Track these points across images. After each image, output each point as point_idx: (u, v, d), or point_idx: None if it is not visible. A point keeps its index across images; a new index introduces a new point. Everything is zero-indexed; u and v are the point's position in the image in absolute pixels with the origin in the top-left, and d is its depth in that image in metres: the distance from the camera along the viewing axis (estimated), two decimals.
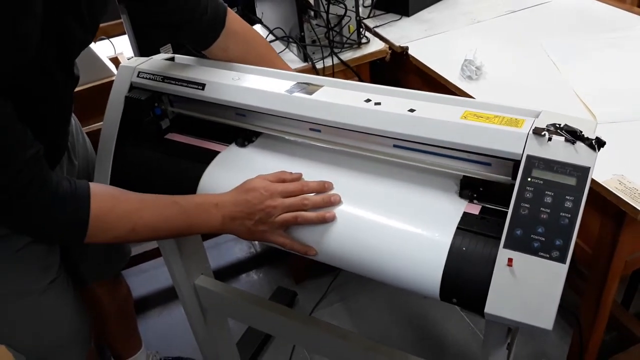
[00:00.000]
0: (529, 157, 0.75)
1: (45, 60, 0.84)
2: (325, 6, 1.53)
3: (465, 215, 0.81)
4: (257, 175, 0.90)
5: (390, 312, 1.93)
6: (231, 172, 0.98)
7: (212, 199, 0.89)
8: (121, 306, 1.51)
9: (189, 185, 0.97)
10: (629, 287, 1.78)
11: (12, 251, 1.04)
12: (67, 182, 0.83)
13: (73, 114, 1.21)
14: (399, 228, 0.82)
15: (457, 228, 0.79)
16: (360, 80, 1.63)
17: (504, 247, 0.73)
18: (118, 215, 0.85)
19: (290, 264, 2.11)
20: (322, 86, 0.96)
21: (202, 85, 1.01)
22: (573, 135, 0.74)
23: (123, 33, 1.79)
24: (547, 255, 0.71)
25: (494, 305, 0.72)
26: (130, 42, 1.56)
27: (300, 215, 0.86)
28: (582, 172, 0.73)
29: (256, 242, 2.31)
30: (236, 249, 2.29)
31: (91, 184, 0.85)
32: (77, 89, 1.14)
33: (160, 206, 0.88)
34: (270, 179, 0.89)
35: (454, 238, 0.78)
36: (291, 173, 0.91)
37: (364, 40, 1.67)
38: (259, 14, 1.76)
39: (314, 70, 1.57)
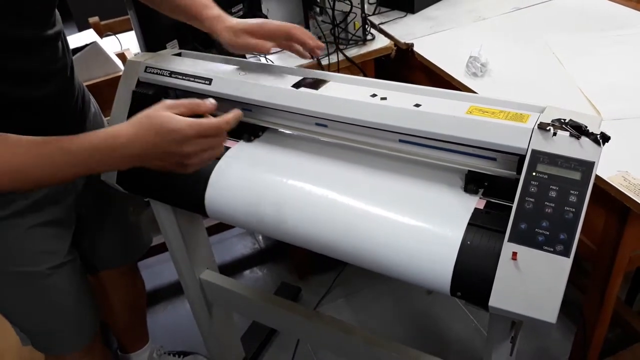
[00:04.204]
0: (533, 151, 0.75)
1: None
2: (331, 3, 1.53)
3: (475, 210, 0.82)
4: (165, 105, 0.83)
5: (394, 308, 1.94)
6: (242, 165, 0.98)
7: (108, 142, 0.81)
8: (135, 299, 1.52)
9: (199, 180, 0.98)
10: (632, 285, 1.78)
11: (22, 229, 1.05)
12: None
13: (95, 103, 1.21)
14: (408, 223, 0.83)
15: (468, 224, 0.79)
16: (365, 76, 1.64)
17: (509, 241, 0.74)
18: (5, 165, 0.78)
19: (294, 259, 2.12)
20: (328, 81, 0.97)
21: (208, 80, 1.01)
22: (578, 130, 0.75)
23: (129, 29, 1.80)
24: (552, 249, 0.72)
25: (498, 298, 0.73)
26: (137, 38, 1.56)
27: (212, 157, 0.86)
28: (586, 166, 0.73)
29: (260, 238, 2.32)
30: (240, 245, 2.30)
31: None
32: (85, 84, 1.16)
33: (48, 158, 0.80)
34: (183, 112, 0.83)
35: (465, 234, 0.78)
36: (205, 103, 0.85)
37: (369, 37, 1.67)
38: (264, 11, 1.77)
39: (320, 67, 1.58)
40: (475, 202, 0.84)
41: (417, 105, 0.86)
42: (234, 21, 1.02)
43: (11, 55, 0.89)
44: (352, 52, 1.63)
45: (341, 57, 1.60)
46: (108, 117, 1.11)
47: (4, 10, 0.86)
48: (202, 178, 0.98)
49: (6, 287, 1.12)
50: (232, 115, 0.85)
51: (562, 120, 0.76)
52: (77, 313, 1.22)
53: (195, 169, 0.86)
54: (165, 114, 0.81)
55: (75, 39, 1.57)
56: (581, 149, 0.74)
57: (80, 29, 1.74)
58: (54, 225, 1.11)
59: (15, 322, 1.21)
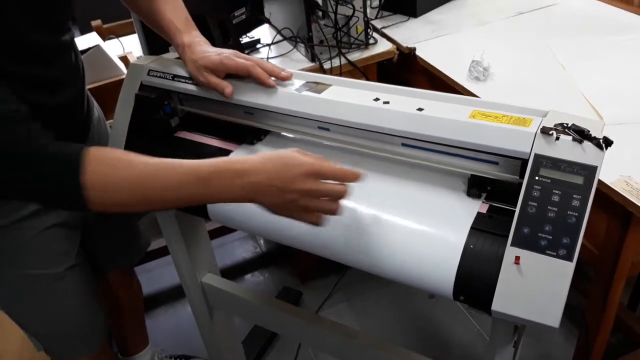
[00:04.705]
0: (536, 156, 0.75)
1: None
2: (334, 7, 1.54)
3: (478, 215, 0.82)
4: (294, 150, 0.80)
5: (395, 312, 1.94)
6: None
7: (235, 166, 0.78)
8: (132, 301, 1.52)
9: None
10: (635, 290, 1.77)
11: (35, 232, 1.06)
12: (57, 145, 0.78)
13: (98, 107, 1.22)
14: (411, 227, 0.83)
15: (471, 228, 0.79)
16: (368, 80, 1.64)
17: (512, 245, 0.73)
18: (120, 180, 0.78)
19: (295, 263, 2.12)
20: (330, 85, 0.97)
21: None
22: (580, 134, 0.75)
23: (132, 32, 1.81)
24: (554, 253, 0.71)
25: (501, 302, 0.73)
26: (140, 41, 1.57)
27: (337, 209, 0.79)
28: (589, 171, 0.73)
29: (262, 242, 2.32)
30: (242, 249, 2.30)
31: (92, 148, 0.78)
32: (87, 88, 1.16)
33: (172, 171, 0.79)
34: (312, 161, 0.79)
35: (467, 238, 0.78)
36: (331, 165, 0.80)
37: (371, 41, 1.67)
38: (267, 14, 1.77)
39: (322, 71, 1.58)
40: (478, 206, 0.84)
41: (420, 110, 0.86)
42: (199, 54, 0.99)
43: (33, 61, 0.89)
44: (355, 56, 1.63)
45: (343, 61, 1.60)
46: (110, 120, 1.11)
47: (26, 14, 0.86)
48: None
49: (20, 292, 1.12)
50: (362, 173, 0.80)
51: (565, 125, 0.76)
52: (89, 315, 1.22)
53: (311, 216, 0.79)
54: (295, 153, 0.79)
55: (78, 42, 1.56)
56: (584, 154, 0.74)
57: (83, 32, 1.74)
58: (64, 227, 1.11)
59: (28, 327, 1.20)
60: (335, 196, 0.79)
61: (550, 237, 0.72)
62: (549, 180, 0.74)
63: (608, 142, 0.74)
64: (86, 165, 0.76)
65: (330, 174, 0.78)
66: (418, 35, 1.74)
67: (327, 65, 1.59)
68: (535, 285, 0.72)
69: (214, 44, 1.03)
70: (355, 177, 0.79)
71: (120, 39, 1.81)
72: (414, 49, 1.66)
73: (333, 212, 0.79)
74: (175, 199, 0.80)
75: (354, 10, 1.57)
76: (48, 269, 1.11)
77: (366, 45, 1.66)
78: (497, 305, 0.73)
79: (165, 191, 0.79)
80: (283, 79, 0.98)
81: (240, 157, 0.81)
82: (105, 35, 1.83)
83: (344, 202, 0.80)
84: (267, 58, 1.66)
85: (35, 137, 0.77)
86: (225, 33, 1.55)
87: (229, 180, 0.77)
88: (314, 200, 0.78)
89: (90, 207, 0.78)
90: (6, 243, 1.05)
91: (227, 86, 0.98)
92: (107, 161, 0.78)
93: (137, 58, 1.18)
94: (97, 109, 1.22)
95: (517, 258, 0.72)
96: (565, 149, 0.75)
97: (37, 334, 1.21)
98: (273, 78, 0.98)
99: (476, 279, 0.75)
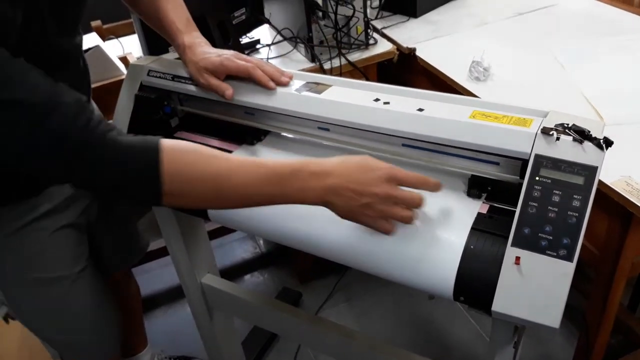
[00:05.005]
0: (537, 156, 0.75)
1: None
2: (334, 7, 1.54)
3: (478, 215, 0.82)
4: (366, 156, 0.79)
5: (395, 313, 1.93)
6: None
7: (311, 168, 0.77)
8: (130, 303, 1.52)
9: None
10: (635, 291, 1.77)
11: (49, 232, 1.05)
12: (130, 136, 0.77)
13: (97, 109, 1.22)
14: (411, 227, 0.82)
15: (471, 229, 0.79)
16: (368, 81, 1.64)
17: (512, 245, 0.73)
18: (200, 171, 0.76)
19: (295, 264, 2.12)
20: (330, 85, 0.97)
21: None
22: (581, 135, 0.75)
23: (132, 33, 1.81)
24: (555, 254, 0.71)
25: (501, 303, 0.73)
26: (140, 42, 1.57)
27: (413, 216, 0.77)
28: (589, 171, 0.73)
29: (262, 242, 2.31)
30: (241, 249, 2.30)
31: (167, 140, 0.77)
32: None
33: (250, 168, 0.77)
34: (390, 165, 0.78)
35: (468, 238, 0.78)
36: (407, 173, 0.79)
37: (371, 42, 1.67)
38: (267, 15, 1.77)
39: (322, 71, 1.58)
40: (478, 206, 0.84)
41: (420, 110, 0.86)
42: (199, 56, 0.98)
43: (57, 66, 0.88)
44: (355, 56, 1.63)
45: (344, 61, 1.60)
46: (110, 121, 1.11)
47: (54, 18, 0.86)
48: None
49: (36, 296, 1.11)
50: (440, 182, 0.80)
51: (565, 125, 0.76)
52: (103, 318, 1.22)
53: (383, 223, 0.77)
54: (369, 157, 0.79)
55: None
56: (584, 154, 0.74)
57: (83, 33, 1.75)
58: (73, 228, 1.11)
59: (44, 334, 1.19)
60: (412, 204, 0.77)
61: (551, 238, 0.72)
62: (549, 181, 0.74)
63: (608, 143, 0.74)
64: (164, 156, 0.74)
65: (409, 180, 0.78)
66: (418, 35, 1.74)
67: (327, 66, 1.59)
68: (535, 286, 0.71)
69: (214, 45, 1.03)
70: (435, 186, 0.79)
71: (120, 39, 1.81)
72: (414, 50, 1.66)
73: (408, 220, 0.78)
74: (249, 197, 0.78)
75: (354, 10, 1.57)
76: (64, 270, 1.10)
77: (366, 45, 1.66)
78: (498, 305, 0.73)
79: (242, 188, 0.77)
80: (282, 84, 0.97)
81: (314, 159, 0.79)
82: (105, 36, 1.83)
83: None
84: (267, 58, 1.66)
85: (109, 127, 0.75)
86: (225, 33, 1.55)
87: (305, 182, 0.76)
88: (391, 205, 0.76)
89: (164, 200, 0.76)
90: (23, 245, 1.05)
91: (227, 88, 0.97)
92: (185, 154, 0.77)
93: (137, 58, 1.18)
94: (96, 110, 1.22)
95: (518, 258, 0.72)
96: (566, 149, 0.74)
97: (53, 340, 1.19)
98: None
99: (476, 279, 0.75)
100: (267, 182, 0.76)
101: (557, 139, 0.75)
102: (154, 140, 0.76)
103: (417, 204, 0.78)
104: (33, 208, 1.03)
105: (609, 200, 1.07)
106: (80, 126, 0.72)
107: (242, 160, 0.79)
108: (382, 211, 0.76)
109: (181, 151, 0.77)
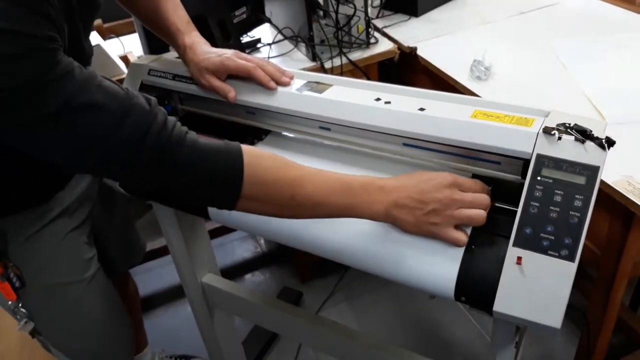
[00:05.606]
0: (538, 156, 0.75)
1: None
2: (335, 6, 1.53)
3: None
4: (423, 170, 0.81)
5: (396, 313, 1.93)
6: None
7: (377, 181, 0.79)
8: (130, 303, 1.52)
9: None
10: (636, 291, 1.77)
11: (61, 236, 1.05)
12: (206, 138, 0.77)
13: None
14: None
15: (473, 228, 0.79)
16: (369, 80, 1.64)
17: (513, 245, 0.73)
18: (276, 177, 0.77)
19: (296, 263, 2.12)
20: (331, 85, 0.97)
21: None
22: (583, 134, 0.74)
23: (132, 32, 1.81)
24: (556, 254, 0.71)
25: (502, 303, 0.72)
26: (141, 41, 1.56)
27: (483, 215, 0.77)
28: (591, 171, 0.73)
29: (262, 242, 2.31)
30: (242, 249, 2.30)
31: (244, 145, 0.78)
32: None
33: (323, 178, 0.78)
34: (448, 173, 0.80)
35: (469, 238, 0.78)
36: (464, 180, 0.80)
37: (372, 41, 1.67)
38: (268, 14, 1.77)
39: (323, 70, 1.57)
40: None
41: (422, 109, 0.86)
42: (200, 56, 0.98)
43: None
44: (356, 55, 1.63)
45: (344, 60, 1.60)
46: None
47: (82, 21, 0.86)
48: None
49: (51, 303, 1.09)
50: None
51: (567, 125, 0.76)
52: (117, 325, 1.21)
53: (453, 232, 0.77)
54: (423, 170, 0.81)
55: None
56: (586, 154, 0.73)
57: None
58: (82, 231, 1.11)
59: (60, 344, 1.16)
60: (480, 205, 0.77)
61: (552, 238, 0.72)
62: (551, 181, 0.74)
63: (610, 142, 0.73)
64: (245, 160, 0.76)
65: (468, 184, 0.79)
66: (419, 34, 1.74)
67: (328, 65, 1.58)
68: (537, 286, 0.71)
69: (214, 44, 1.03)
70: (489, 192, 0.80)
71: (121, 38, 1.81)
72: (415, 49, 1.66)
73: (479, 218, 0.77)
74: (320, 205, 0.78)
75: (355, 9, 1.56)
76: (78, 274, 1.09)
77: (367, 44, 1.66)
78: (499, 305, 0.73)
79: (314, 196, 0.77)
80: (283, 84, 0.97)
81: (379, 177, 0.81)
82: (105, 35, 1.83)
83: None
84: (268, 57, 1.65)
85: (184, 127, 0.76)
86: (225, 32, 1.55)
87: (373, 195, 0.77)
88: (457, 209, 0.76)
89: (238, 204, 0.77)
90: (36, 251, 1.04)
91: (230, 90, 0.97)
92: (262, 159, 0.78)
93: (138, 57, 1.17)
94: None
95: (519, 258, 0.72)
96: (568, 149, 0.74)
97: (69, 349, 1.16)
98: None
99: (478, 279, 0.75)
100: (340, 193, 0.77)
101: (559, 138, 0.75)
102: (236, 144, 0.77)
103: (483, 203, 0.78)
104: (44, 214, 1.03)
105: (611, 200, 1.07)
106: (160, 126, 0.72)
107: (314, 170, 0.79)
108: (449, 216, 0.76)
109: (258, 156, 0.78)
